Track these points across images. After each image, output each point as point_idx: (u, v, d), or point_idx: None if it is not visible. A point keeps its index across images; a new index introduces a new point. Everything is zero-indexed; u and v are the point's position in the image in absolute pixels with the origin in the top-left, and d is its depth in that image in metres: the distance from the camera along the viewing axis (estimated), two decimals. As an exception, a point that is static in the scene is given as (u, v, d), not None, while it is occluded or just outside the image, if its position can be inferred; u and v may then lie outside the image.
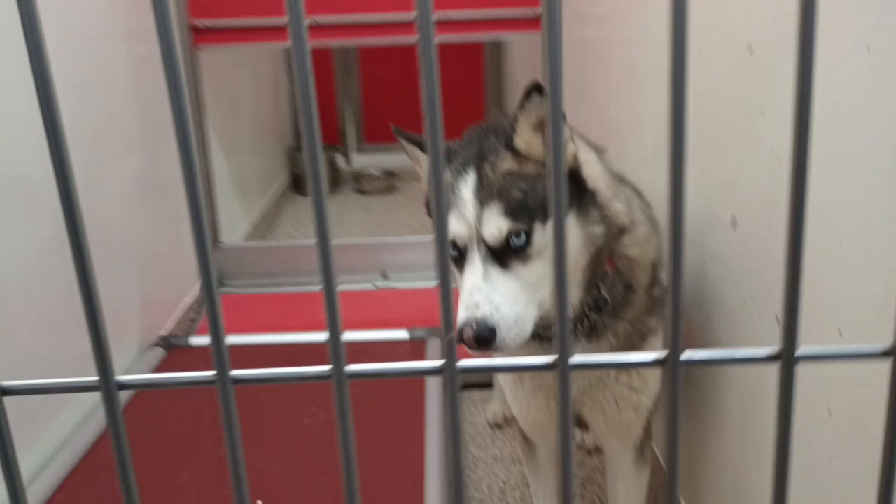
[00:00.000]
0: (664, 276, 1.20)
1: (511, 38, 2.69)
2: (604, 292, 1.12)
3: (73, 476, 1.61)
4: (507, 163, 1.07)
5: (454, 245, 1.06)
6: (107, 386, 0.43)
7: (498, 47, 4.66)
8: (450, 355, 0.38)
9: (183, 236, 2.73)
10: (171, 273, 2.55)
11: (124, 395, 1.94)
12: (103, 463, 1.66)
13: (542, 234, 1.04)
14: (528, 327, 1.02)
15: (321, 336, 2.16)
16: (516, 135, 1.07)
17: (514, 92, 4.44)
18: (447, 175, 1.10)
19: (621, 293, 1.15)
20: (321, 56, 4.79)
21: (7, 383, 0.44)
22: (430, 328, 2.26)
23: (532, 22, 2.67)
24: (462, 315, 0.99)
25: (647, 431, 1.34)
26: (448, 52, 3.21)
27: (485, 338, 0.97)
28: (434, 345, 2.17)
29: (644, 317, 1.19)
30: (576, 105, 2.36)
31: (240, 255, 2.95)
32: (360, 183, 4.81)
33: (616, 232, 1.11)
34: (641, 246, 1.16)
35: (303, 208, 4.54)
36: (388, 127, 5.07)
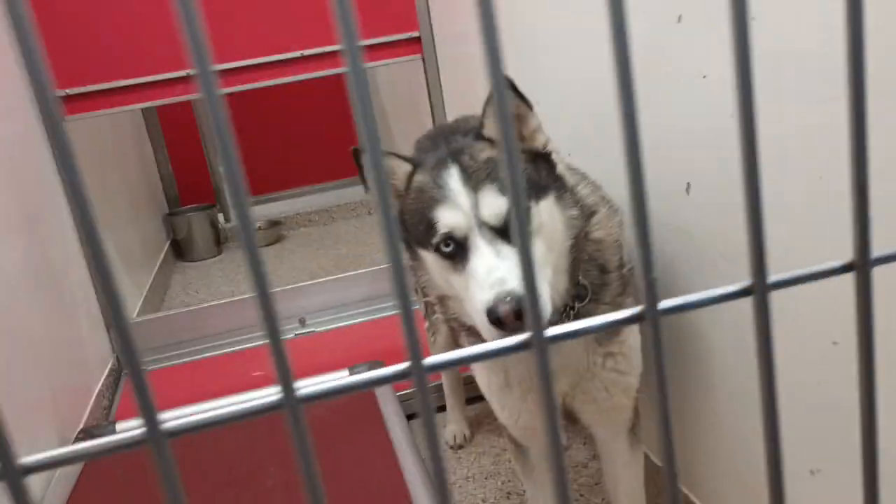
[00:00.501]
0: (629, 255, 1.21)
1: (391, 63, 2.68)
2: (581, 279, 1.12)
3: None
4: (485, 152, 1.06)
5: (451, 239, 1.03)
6: (11, 471, 0.34)
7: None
8: (415, 357, 0.35)
9: (81, 321, 2.53)
10: (76, 361, 2.35)
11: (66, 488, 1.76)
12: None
13: (538, 213, 1.03)
14: (549, 304, 1.00)
15: (261, 392, 2.11)
16: (485, 127, 1.06)
17: (383, 121, 4.45)
18: (424, 178, 1.07)
19: (597, 276, 1.15)
20: (186, 114, 4.63)
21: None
22: (372, 362, 2.20)
23: (411, 45, 2.68)
24: (489, 295, 0.94)
25: (636, 411, 1.34)
26: (310, 87, 3.18)
27: (522, 311, 0.93)
28: (385, 393, 2.10)
29: (619, 298, 1.20)
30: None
31: (142, 329, 2.77)
32: (247, 238, 4.65)
33: (588, 214, 1.12)
34: (605, 226, 1.18)
35: (189, 273, 4.34)
36: (265, 179, 4.98)
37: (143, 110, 4.44)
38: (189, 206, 4.57)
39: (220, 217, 4.74)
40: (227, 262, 4.47)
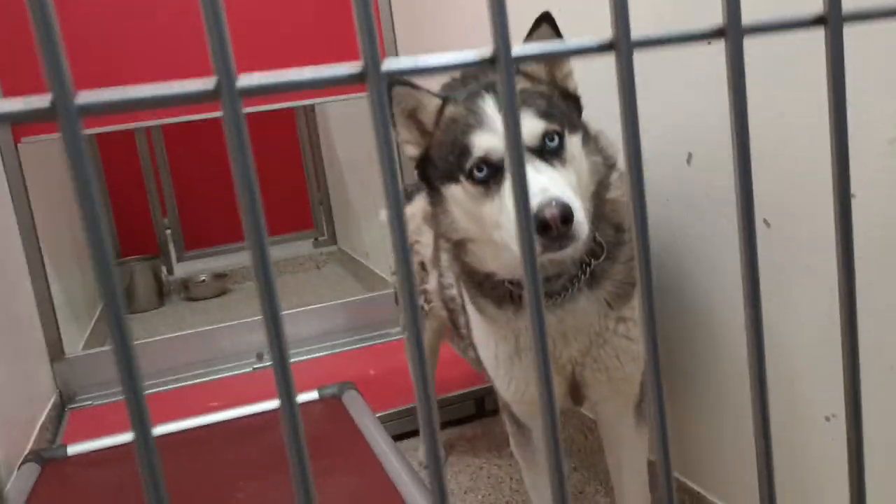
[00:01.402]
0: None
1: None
2: (598, 237, 1.13)
3: None
4: (519, 83, 1.07)
5: (485, 164, 1.02)
6: None
7: (311, 109, 4.63)
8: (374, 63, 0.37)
9: (27, 354, 2.39)
10: (20, 394, 2.21)
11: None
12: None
13: (572, 143, 1.04)
14: (586, 222, 0.98)
15: (240, 410, 2.02)
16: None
17: (331, 153, 4.47)
18: (457, 108, 1.07)
19: (612, 235, 1.15)
20: (131, 163, 4.54)
21: None
22: (341, 383, 2.13)
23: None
24: (534, 202, 0.92)
25: (642, 387, 1.33)
26: (260, 120, 3.19)
27: (567, 216, 0.92)
28: (350, 397, 2.04)
29: (632, 262, 1.21)
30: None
31: (90, 363, 2.63)
32: (189, 290, 4.52)
33: (609, 165, 1.14)
34: (621, 187, 1.19)
35: (134, 323, 4.17)
36: (210, 231, 4.90)
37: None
38: (130, 257, 4.42)
39: (164, 271, 4.60)
40: (169, 314, 4.32)
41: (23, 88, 2.38)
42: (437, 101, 1.10)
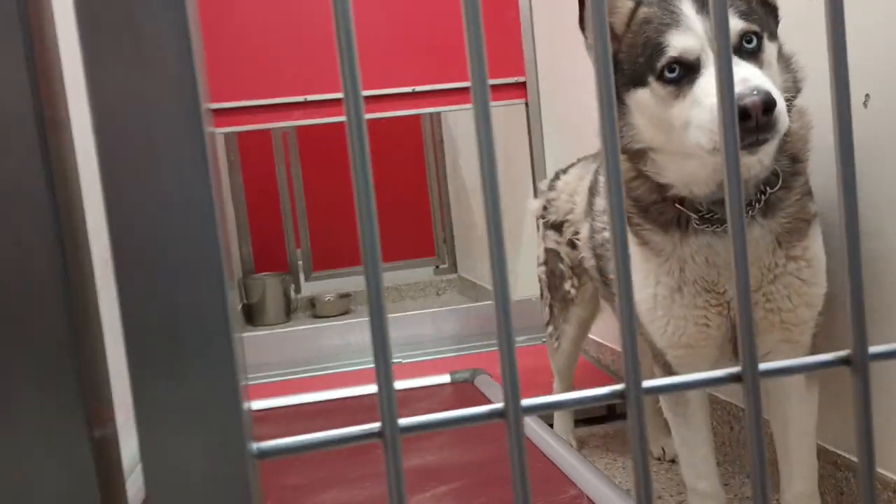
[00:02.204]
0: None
1: (494, 106, 2.79)
2: (775, 165, 1.11)
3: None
4: None
5: (678, 63, 1.03)
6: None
7: (438, 115, 4.74)
8: (514, 394, 0.38)
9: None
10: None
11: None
12: None
13: (769, 49, 1.05)
14: (785, 113, 0.98)
15: (365, 389, 2.07)
16: None
17: (455, 158, 4.55)
18: (651, 9, 1.09)
19: (788, 165, 1.14)
20: (270, 189, 4.81)
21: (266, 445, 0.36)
22: (473, 369, 2.14)
23: (517, 89, 2.79)
24: (735, 90, 0.93)
25: (815, 345, 1.26)
26: (385, 125, 3.31)
27: (769, 105, 0.92)
28: (483, 380, 2.05)
29: (806, 199, 1.18)
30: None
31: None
32: (315, 308, 4.68)
33: (797, 88, 1.12)
34: (799, 120, 1.17)
35: (257, 338, 4.34)
36: (337, 254, 5.08)
37: (232, 178, 4.64)
38: (263, 273, 4.64)
39: (293, 289, 4.80)
40: (295, 329, 4.47)
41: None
42: (629, 4, 1.12)
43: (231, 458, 0.31)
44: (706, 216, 1.14)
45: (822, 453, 1.46)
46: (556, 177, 1.85)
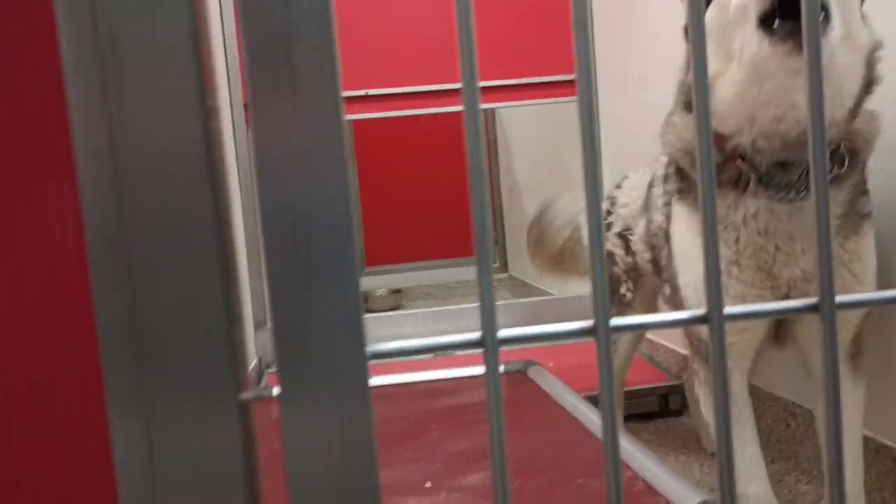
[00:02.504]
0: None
1: (547, 103, 2.82)
2: (842, 147, 1.09)
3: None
4: None
5: None
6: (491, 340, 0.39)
7: (492, 113, 4.76)
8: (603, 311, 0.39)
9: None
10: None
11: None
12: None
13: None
14: None
15: (416, 376, 2.10)
16: None
17: (508, 157, 4.56)
18: None
19: (851, 156, 1.11)
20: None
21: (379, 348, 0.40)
22: (525, 360, 2.16)
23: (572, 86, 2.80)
24: None
25: (861, 340, 1.25)
26: (439, 122, 3.34)
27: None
28: (536, 371, 2.06)
29: (864, 196, 1.17)
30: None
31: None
32: (368, 302, 4.75)
33: (873, 57, 1.08)
34: (872, 120, 1.13)
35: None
36: (391, 249, 5.16)
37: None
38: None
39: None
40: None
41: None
42: None
43: (349, 357, 0.35)
44: (765, 180, 1.09)
45: (881, 449, 1.44)
46: (619, 184, 1.85)
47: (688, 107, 1.16)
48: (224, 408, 0.34)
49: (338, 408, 0.35)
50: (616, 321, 0.39)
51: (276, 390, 0.35)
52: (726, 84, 1.06)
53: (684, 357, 2.20)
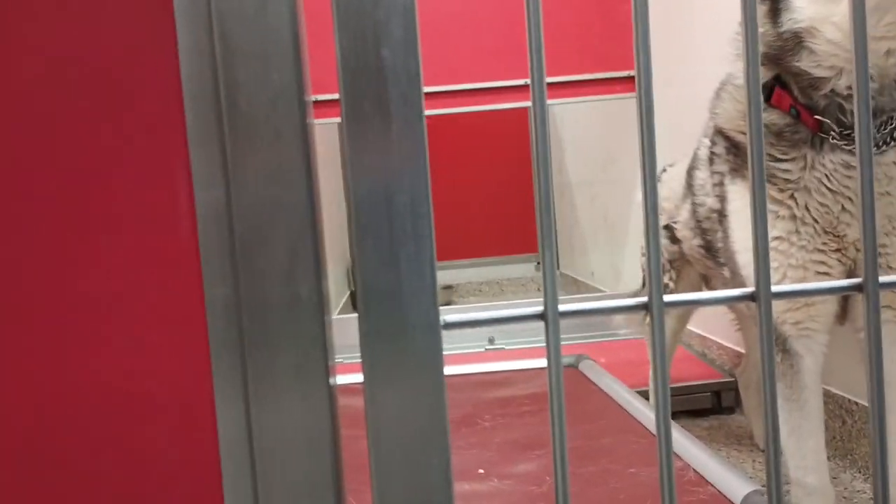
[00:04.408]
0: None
1: (604, 100, 2.82)
2: None
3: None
4: None
5: None
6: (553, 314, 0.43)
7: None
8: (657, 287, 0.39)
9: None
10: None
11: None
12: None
13: None
14: None
15: (466, 368, 2.14)
16: None
17: (560, 154, 4.56)
18: None
19: None
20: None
21: (451, 317, 0.42)
22: (577, 354, 2.18)
23: (628, 83, 2.81)
24: None
25: None
26: (492, 119, 3.37)
27: None
28: (587, 365, 2.08)
29: None
30: None
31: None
32: (419, 298, 4.83)
33: None
34: None
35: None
36: (443, 246, 5.15)
37: (344, 168, 4.82)
38: (370, 262, 4.81)
39: (396, 278, 4.95)
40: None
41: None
42: None
43: (425, 324, 0.39)
44: (846, 132, 1.06)
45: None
46: (664, 169, 1.86)
47: (763, 58, 1.11)
48: (317, 391, 0.38)
49: (413, 374, 0.39)
50: (668, 297, 0.42)
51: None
52: (835, 25, 1.03)
53: (737, 353, 2.20)
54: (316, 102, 2.80)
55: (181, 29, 0.37)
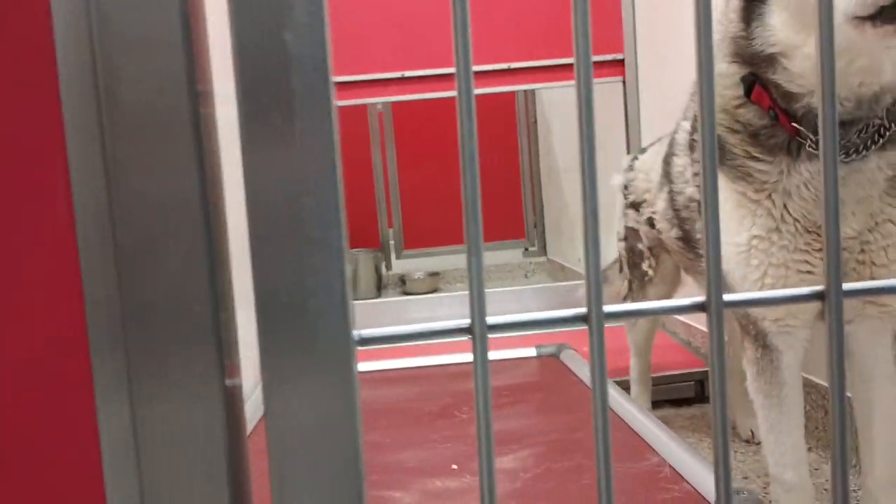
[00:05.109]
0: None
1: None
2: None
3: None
4: None
5: None
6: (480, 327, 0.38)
7: (532, 94, 4.72)
8: (596, 296, 0.36)
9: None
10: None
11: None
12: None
13: None
14: None
15: (448, 358, 2.11)
16: None
17: (548, 139, 4.53)
18: None
19: None
20: (365, 168, 4.91)
21: (367, 332, 0.38)
22: (559, 343, 2.15)
23: (615, 66, 2.76)
24: None
25: None
26: (478, 104, 3.39)
27: None
28: (568, 355, 2.05)
29: None
30: None
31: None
32: (406, 285, 4.78)
33: None
34: None
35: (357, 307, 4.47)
36: (428, 232, 5.15)
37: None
38: (357, 248, 4.77)
39: (383, 264, 4.91)
40: (387, 303, 4.58)
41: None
42: None
43: (335, 343, 0.35)
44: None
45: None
46: (635, 157, 1.84)
47: (737, 58, 1.09)
48: (209, 393, 0.34)
49: (322, 394, 0.35)
50: (609, 308, 0.38)
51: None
52: (805, 58, 1.01)
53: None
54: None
55: (56, 8, 0.33)
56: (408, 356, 2.17)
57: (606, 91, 2.89)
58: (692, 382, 2.23)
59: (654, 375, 2.16)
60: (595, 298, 0.37)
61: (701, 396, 2.22)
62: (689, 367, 2.25)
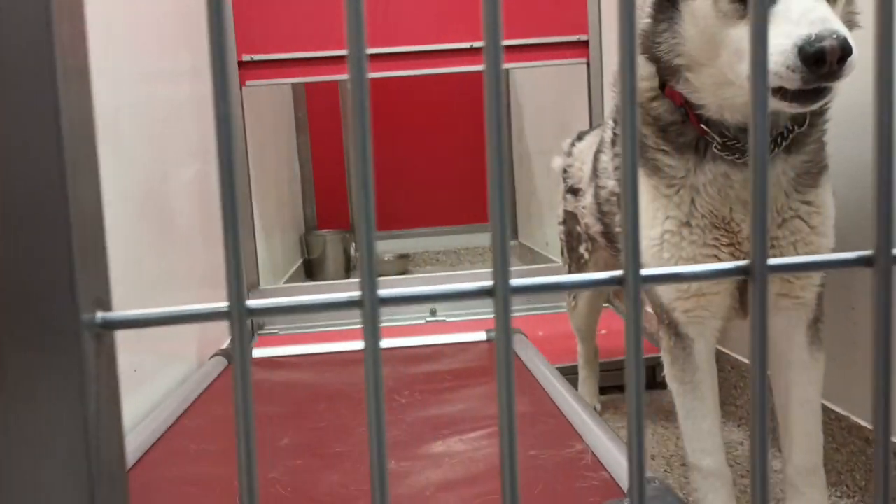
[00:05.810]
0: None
1: (554, 64, 2.73)
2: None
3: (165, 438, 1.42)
4: None
5: None
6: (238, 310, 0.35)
7: (506, 77, 4.68)
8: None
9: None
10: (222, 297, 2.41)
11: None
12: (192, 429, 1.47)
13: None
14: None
15: (411, 341, 2.09)
16: None
17: (521, 117, 4.51)
18: None
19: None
20: (336, 148, 4.86)
21: (113, 315, 0.34)
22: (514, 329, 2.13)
23: (578, 48, 2.73)
24: (808, 30, 0.85)
25: (821, 306, 1.19)
26: (445, 84, 3.35)
27: (847, 50, 0.83)
28: (518, 339, 2.03)
29: (823, 146, 1.13)
30: None
31: (280, 296, 2.82)
32: (375, 267, 4.75)
33: (855, 25, 1.03)
34: None
35: (315, 288, 4.43)
36: (400, 214, 5.11)
37: (298, 134, 4.71)
38: (325, 229, 4.73)
39: (352, 245, 4.87)
40: (353, 286, 4.55)
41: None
42: None
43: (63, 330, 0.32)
44: (729, 143, 1.07)
45: (853, 428, 1.40)
46: (574, 142, 1.82)
47: (647, 53, 1.10)
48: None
49: (47, 396, 0.32)
50: (516, 282, 0.36)
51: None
52: (708, 78, 1.03)
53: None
54: (262, 62, 2.70)
55: None
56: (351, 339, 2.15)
57: (572, 72, 2.86)
58: (643, 368, 2.21)
59: (604, 360, 2.15)
60: (501, 273, 0.34)
61: (653, 382, 2.21)
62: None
